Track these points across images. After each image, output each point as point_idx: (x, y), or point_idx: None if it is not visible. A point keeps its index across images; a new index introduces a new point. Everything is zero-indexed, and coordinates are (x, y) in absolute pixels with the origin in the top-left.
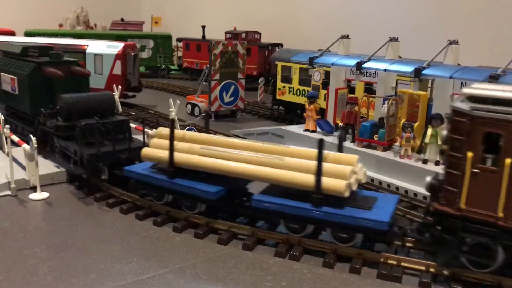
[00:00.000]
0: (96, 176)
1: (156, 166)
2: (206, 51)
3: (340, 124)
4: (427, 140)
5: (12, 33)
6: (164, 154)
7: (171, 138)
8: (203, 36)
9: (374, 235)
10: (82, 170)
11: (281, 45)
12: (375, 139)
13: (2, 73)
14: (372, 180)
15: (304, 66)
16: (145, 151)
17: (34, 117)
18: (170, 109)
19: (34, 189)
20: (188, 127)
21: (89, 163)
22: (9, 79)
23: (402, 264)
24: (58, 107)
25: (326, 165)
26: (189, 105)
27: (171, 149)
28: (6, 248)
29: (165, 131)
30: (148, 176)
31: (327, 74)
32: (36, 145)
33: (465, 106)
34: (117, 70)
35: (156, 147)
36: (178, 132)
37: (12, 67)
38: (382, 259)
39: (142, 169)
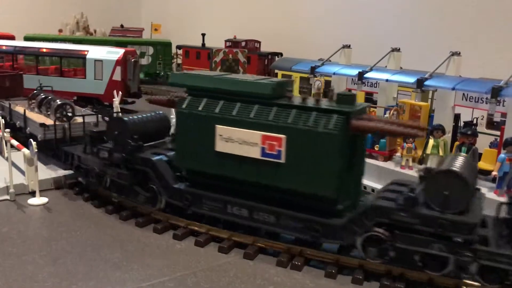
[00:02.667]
0: None
1: None
2: (205, 58)
3: None
4: (428, 150)
5: (12, 38)
6: None
7: None
8: (203, 44)
9: None
10: None
11: (281, 54)
12: (376, 149)
13: (224, 127)
14: (373, 190)
15: (305, 75)
16: None
17: (331, 202)
18: (172, 116)
19: (33, 194)
20: None
21: None
22: (258, 138)
23: (406, 276)
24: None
25: None
26: None
27: None
28: (5, 254)
29: None
30: None
31: (328, 83)
32: (36, 149)
33: None
34: (117, 76)
35: None
36: None
37: (262, 117)
38: (384, 270)
39: None
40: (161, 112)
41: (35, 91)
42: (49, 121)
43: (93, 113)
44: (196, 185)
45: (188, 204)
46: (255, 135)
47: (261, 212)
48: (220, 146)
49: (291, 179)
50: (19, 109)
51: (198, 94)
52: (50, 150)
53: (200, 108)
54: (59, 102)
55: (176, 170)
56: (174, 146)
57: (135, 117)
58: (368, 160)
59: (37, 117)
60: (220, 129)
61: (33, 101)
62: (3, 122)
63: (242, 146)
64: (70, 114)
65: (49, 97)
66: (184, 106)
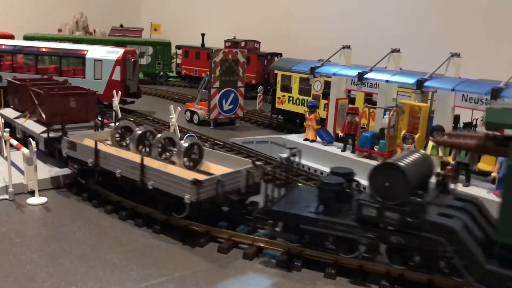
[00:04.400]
0: None
1: None
2: (205, 59)
3: (340, 134)
4: (428, 151)
5: (11, 37)
6: None
7: None
8: (203, 44)
9: None
10: None
11: (280, 54)
12: (376, 149)
13: None
14: None
15: (305, 76)
16: None
17: None
18: (171, 116)
19: (32, 193)
20: (188, 135)
21: None
22: None
23: (405, 277)
24: None
25: None
26: (188, 112)
27: None
28: (3, 253)
29: None
30: None
31: (327, 84)
32: (35, 149)
33: None
34: (117, 76)
35: None
36: None
37: None
38: (384, 271)
39: None
40: (419, 150)
41: (118, 122)
42: (197, 175)
43: (252, 163)
44: None
45: None
46: None
47: None
48: None
49: None
50: (124, 154)
51: None
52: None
53: None
54: (185, 144)
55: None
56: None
57: (407, 162)
58: (367, 161)
59: (160, 165)
60: None
61: (117, 133)
62: (3, 121)
63: None
64: (197, 157)
65: (159, 135)
66: None
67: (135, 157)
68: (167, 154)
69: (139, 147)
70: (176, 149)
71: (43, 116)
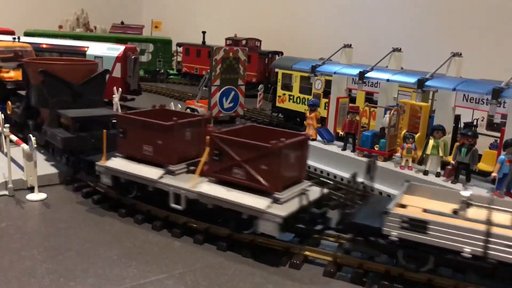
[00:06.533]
0: None
1: None
2: (206, 56)
3: (341, 133)
4: (428, 151)
5: (12, 33)
6: None
7: None
8: (203, 42)
9: None
10: None
11: (281, 53)
12: (376, 149)
13: None
14: (372, 190)
15: (305, 75)
16: None
17: None
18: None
19: (31, 189)
20: None
21: None
22: None
23: (405, 276)
24: None
25: None
26: (188, 109)
27: None
28: (3, 249)
29: None
30: None
31: (328, 82)
32: (35, 145)
33: None
34: (117, 73)
35: None
36: None
37: None
38: (383, 270)
39: None
40: None
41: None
42: None
43: None
44: None
45: None
46: None
47: None
48: None
49: None
50: None
51: None
52: None
53: None
54: None
55: None
56: None
57: None
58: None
59: None
60: None
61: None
62: (3, 117)
63: None
64: None
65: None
66: None
67: None
68: None
69: None
70: None
71: (262, 181)
